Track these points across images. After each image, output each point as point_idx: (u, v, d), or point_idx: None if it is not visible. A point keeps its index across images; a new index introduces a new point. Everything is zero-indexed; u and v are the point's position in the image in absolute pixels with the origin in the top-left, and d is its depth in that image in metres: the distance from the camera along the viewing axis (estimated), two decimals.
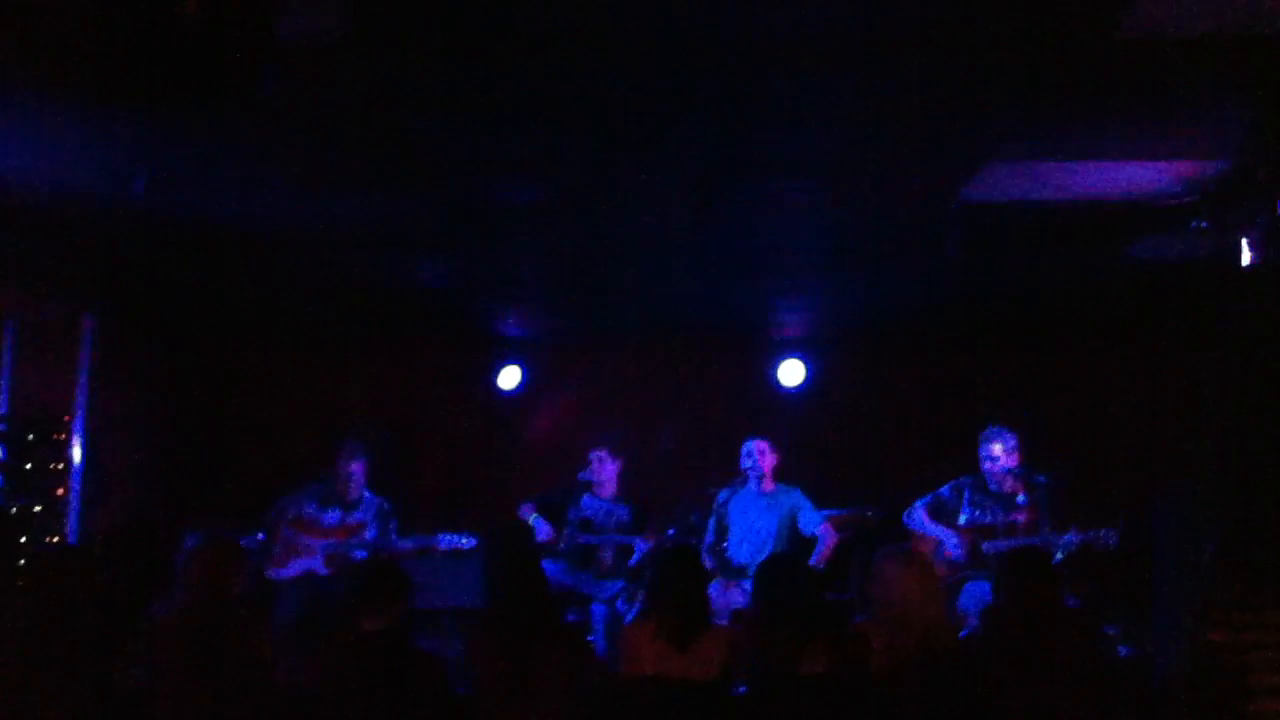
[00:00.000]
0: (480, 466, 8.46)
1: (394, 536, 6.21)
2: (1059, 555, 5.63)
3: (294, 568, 6.08)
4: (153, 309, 7.40)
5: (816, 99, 3.88)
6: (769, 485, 6.41)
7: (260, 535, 6.14)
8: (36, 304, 6.67)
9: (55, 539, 6.17)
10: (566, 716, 3.84)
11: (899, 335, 8.08)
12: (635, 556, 6.28)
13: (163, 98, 2.68)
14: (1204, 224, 4.68)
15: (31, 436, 6.35)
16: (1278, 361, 5.00)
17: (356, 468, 6.19)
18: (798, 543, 6.35)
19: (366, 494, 6.26)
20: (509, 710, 3.86)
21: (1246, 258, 4.65)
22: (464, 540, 6.15)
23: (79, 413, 6.56)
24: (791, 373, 8.31)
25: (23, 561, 5.89)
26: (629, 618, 6.10)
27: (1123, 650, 5.96)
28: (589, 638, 6.04)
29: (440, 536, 6.14)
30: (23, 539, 6.03)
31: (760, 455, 6.39)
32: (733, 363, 8.49)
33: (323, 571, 6.08)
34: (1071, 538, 5.67)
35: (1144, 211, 4.88)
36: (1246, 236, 4.57)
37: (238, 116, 3.89)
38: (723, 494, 6.39)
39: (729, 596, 6.07)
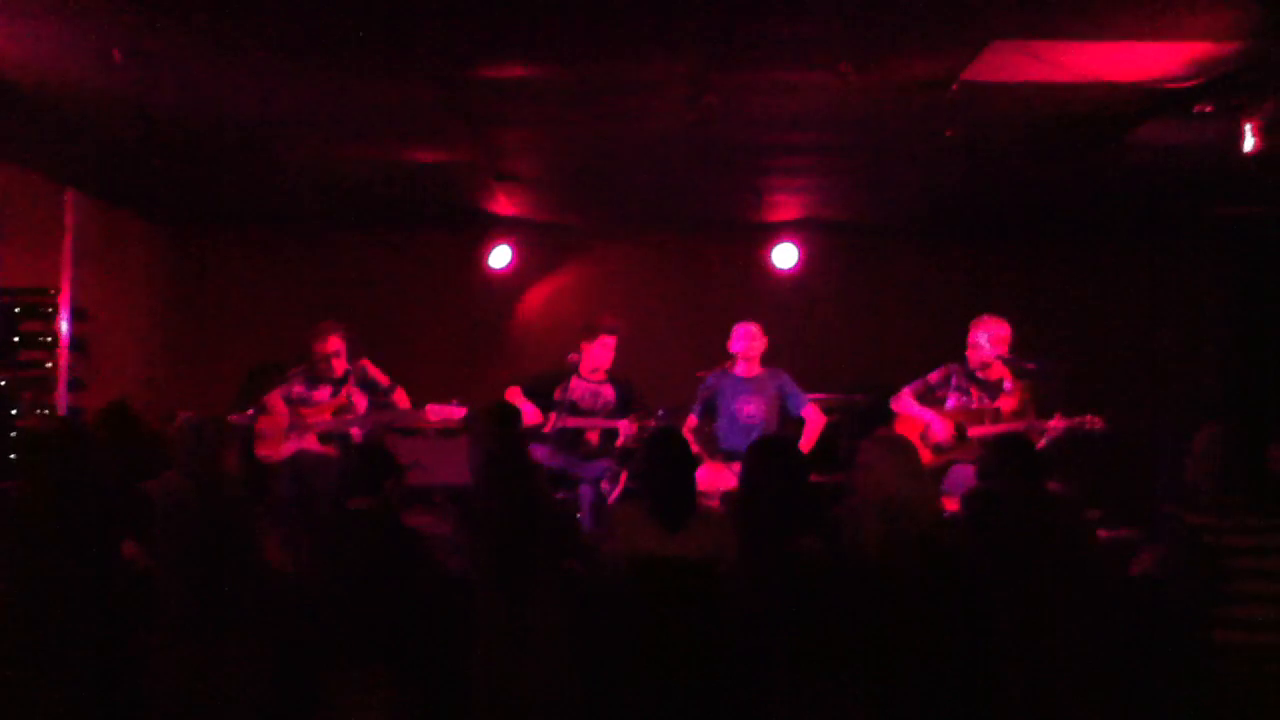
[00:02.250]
0: (471, 347, 8.48)
1: (383, 388, 6.25)
2: (1043, 441, 5.69)
3: (287, 448, 6.12)
4: (137, 188, 7.28)
5: None
6: (756, 369, 6.43)
7: (250, 412, 6.16)
8: (16, 179, 6.56)
9: (45, 412, 6.18)
10: (557, 595, 3.90)
11: (894, 222, 8.02)
12: (620, 437, 6.32)
13: None
14: (1208, 108, 4.59)
15: (18, 310, 6.31)
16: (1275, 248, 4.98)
17: (336, 345, 6.22)
18: (786, 425, 6.41)
19: (349, 366, 6.30)
20: (500, 589, 3.92)
21: (1249, 144, 4.58)
22: (452, 408, 6.19)
23: (66, 288, 6.51)
24: (784, 257, 8.27)
25: (14, 435, 5.91)
26: (612, 497, 6.19)
27: (1104, 534, 6.09)
28: (577, 516, 6.12)
29: (429, 407, 6.19)
30: (13, 412, 6.03)
31: (750, 339, 6.40)
32: (725, 247, 8.44)
33: (317, 450, 6.13)
34: (1056, 424, 5.73)
35: (1148, 94, 4.78)
36: (1250, 122, 4.49)
37: None
38: (711, 377, 6.41)
39: (720, 478, 6.14)
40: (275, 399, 6.19)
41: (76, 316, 6.51)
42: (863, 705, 3.78)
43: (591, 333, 6.47)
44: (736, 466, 6.03)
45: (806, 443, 6.30)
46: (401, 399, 6.29)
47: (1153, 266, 8.21)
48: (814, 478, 5.84)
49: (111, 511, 3.89)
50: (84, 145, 6.12)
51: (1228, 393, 4.83)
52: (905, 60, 4.59)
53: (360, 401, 6.26)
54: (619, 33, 4.32)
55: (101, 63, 4.58)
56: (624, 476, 6.25)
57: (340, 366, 6.24)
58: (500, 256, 8.31)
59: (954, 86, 4.74)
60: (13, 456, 5.59)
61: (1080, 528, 4.46)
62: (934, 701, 3.83)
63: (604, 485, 6.30)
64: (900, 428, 6.07)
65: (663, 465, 4.16)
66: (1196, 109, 4.73)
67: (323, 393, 6.26)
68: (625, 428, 6.25)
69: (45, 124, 5.69)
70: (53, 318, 6.33)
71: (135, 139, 5.77)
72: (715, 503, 5.66)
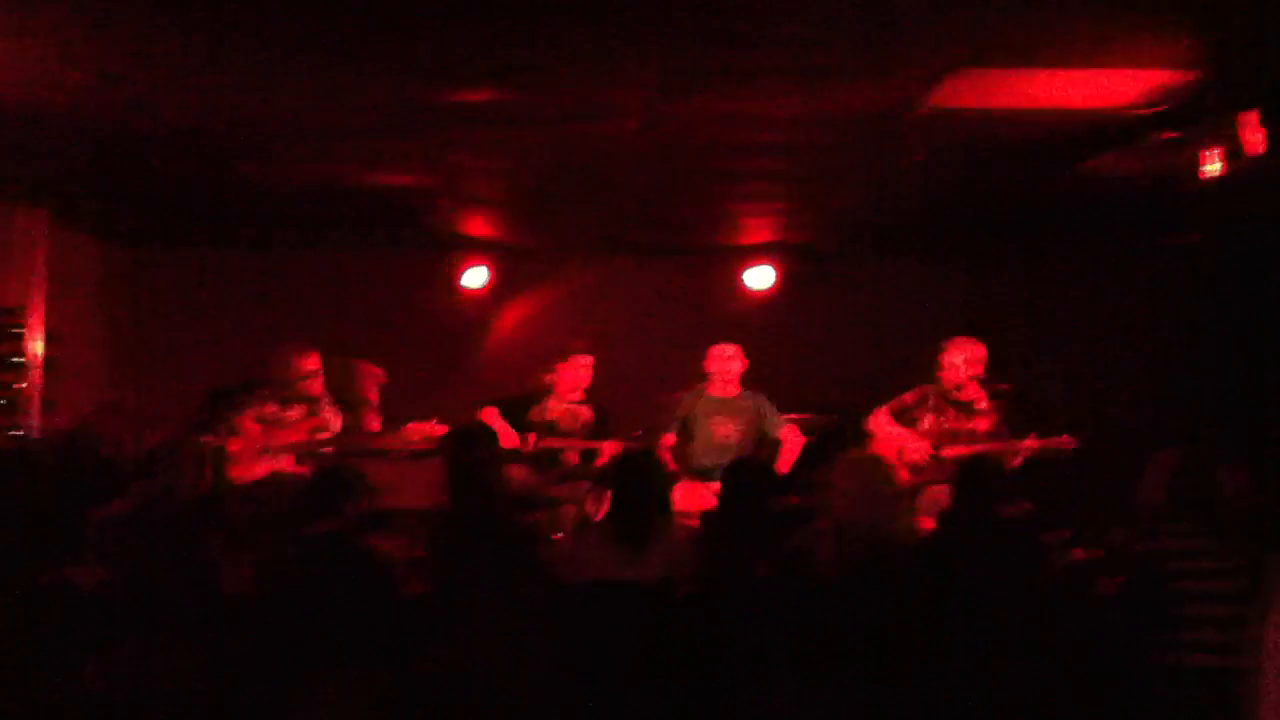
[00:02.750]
0: (444, 369, 8.47)
1: (362, 428, 6.23)
2: (1018, 460, 5.72)
3: (261, 468, 6.10)
4: (105, 207, 7.27)
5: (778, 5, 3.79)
6: (734, 390, 6.45)
7: (221, 433, 6.13)
8: None
9: (18, 433, 6.17)
10: (517, 618, 3.90)
11: (864, 243, 8.05)
12: (599, 459, 6.31)
13: None
14: (1166, 136, 4.63)
15: None
16: (1233, 271, 5.02)
17: (315, 364, 6.18)
18: (762, 446, 6.41)
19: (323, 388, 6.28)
20: (462, 611, 3.91)
21: (1209, 170, 4.62)
22: (433, 426, 6.17)
23: (36, 308, 6.49)
24: (758, 279, 8.30)
25: None
26: (598, 517, 6.18)
27: (1073, 554, 6.11)
28: (555, 538, 6.10)
29: (409, 426, 6.16)
30: None
31: (727, 360, 6.42)
32: (698, 269, 8.46)
33: (291, 471, 6.10)
34: (1030, 444, 5.77)
35: (1107, 122, 4.82)
36: (1207, 149, 4.52)
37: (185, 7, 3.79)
38: (688, 398, 6.43)
39: (696, 498, 6.15)
40: (247, 419, 6.16)
41: (49, 338, 6.48)
42: None
43: (564, 354, 6.48)
44: (712, 486, 6.09)
45: (784, 464, 6.31)
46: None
47: (1134, 283, 8.25)
48: (791, 499, 5.86)
49: (62, 536, 3.89)
50: (51, 166, 6.12)
51: (1184, 414, 4.89)
52: (863, 87, 4.62)
53: (335, 422, 6.25)
54: (570, 60, 4.33)
55: (67, 84, 4.59)
56: (608, 497, 6.24)
57: (317, 386, 6.21)
58: (475, 278, 8.33)
59: (918, 112, 4.77)
60: None
61: (1041, 551, 4.48)
62: None
63: (588, 505, 6.29)
64: (875, 448, 6.08)
65: (627, 487, 4.18)
66: (1163, 135, 4.77)
67: (297, 412, 6.25)
68: (609, 449, 6.24)
69: (12, 145, 5.68)
70: (22, 339, 6.31)
71: (103, 160, 5.78)
72: (692, 522, 5.67)
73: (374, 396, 6.94)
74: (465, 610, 3.89)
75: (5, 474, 3.90)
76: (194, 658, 3.73)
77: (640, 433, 6.48)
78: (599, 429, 6.49)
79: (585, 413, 6.60)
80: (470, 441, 6.11)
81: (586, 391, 6.63)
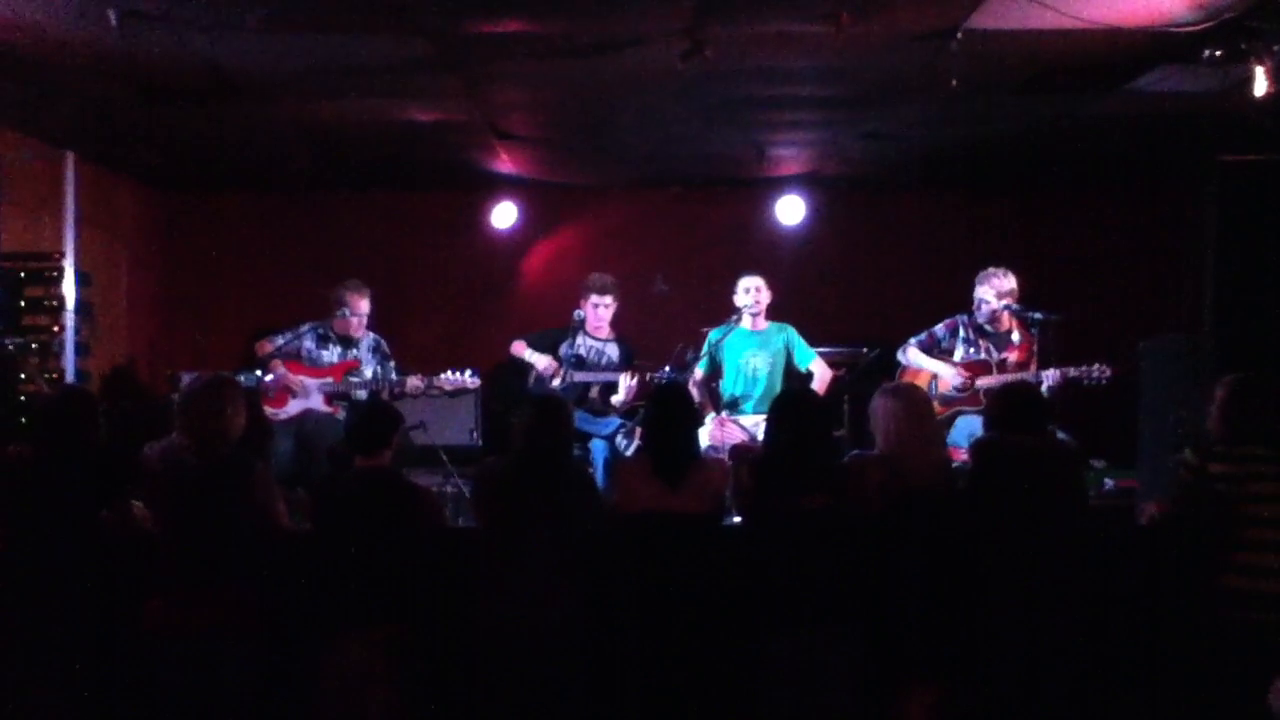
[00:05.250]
0: (474, 307, 8.46)
1: (393, 374, 6.27)
2: (1048, 390, 5.68)
3: (292, 407, 6.15)
4: (136, 150, 7.23)
5: None
6: (762, 323, 6.41)
7: (257, 373, 6.16)
8: (15, 144, 6.52)
9: (53, 376, 6.21)
10: (565, 551, 3.91)
11: (899, 174, 7.94)
12: (621, 394, 6.31)
13: None
14: (1217, 53, 4.51)
15: (23, 275, 6.32)
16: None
17: (365, 303, 6.24)
18: (792, 380, 6.40)
19: (367, 330, 6.31)
20: (510, 544, 3.92)
21: (1260, 88, 4.51)
22: (468, 379, 6.20)
23: (70, 251, 6.50)
24: (790, 211, 8.22)
25: (22, 399, 5.93)
26: (628, 453, 6.19)
27: (1108, 483, 6.11)
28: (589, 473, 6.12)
29: (444, 376, 6.19)
30: (21, 377, 6.05)
31: (756, 292, 6.37)
32: (730, 202, 8.38)
33: (323, 410, 6.15)
34: (1063, 373, 5.73)
35: (1156, 40, 4.70)
36: (1260, 65, 4.41)
37: None
38: (716, 332, 6.40)
39: (727, 432, 6.15)
40: (282, 359, 6.19)
41: (81, 281, 6.48)
42: (860, 656, 3.82)
43: (584, 293, 6.49)
44: (744, 420, 6.10)
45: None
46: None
47: (1171, 213, 8.14)
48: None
49: (118, 474, 3.92)
50: (82, 108, 6.08)
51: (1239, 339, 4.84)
52: (907, 9, 4.52)
53: (369, 368, 6.28)
54: None
55: (97, 24, 4.54)
56: (639, 432, 6.25)
57: (361, 325, 6.25)
58: (504, 215, 8.28)
59: (958, 35, 4.67)
60: (22, 420, 5.61)
61: (1082, 477, 4.47)
62: (933, 653, 3.86)
63: (620, 440, 6.30)
64: (907, 379, 6.07)
65: (663, 421, 4.17)
66: (1205, 54, 4.65)
67: (331, 353, 6.29)
68: (625, 383, 6.24)
69: (42, 87, 5.65)
70: (57, 282, 6.34)
71: (132, 101, 5.73)
72: (723, 457, 5.68)
73: None
74: (515, 544, 3.89)
75: (65, 412, 3.92)
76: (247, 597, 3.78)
77: (667, 369, 6.46)
78: (625, 365, 6.49)
79: (613, 350, 6.61)
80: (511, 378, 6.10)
81: (619, 330, 6.64)
